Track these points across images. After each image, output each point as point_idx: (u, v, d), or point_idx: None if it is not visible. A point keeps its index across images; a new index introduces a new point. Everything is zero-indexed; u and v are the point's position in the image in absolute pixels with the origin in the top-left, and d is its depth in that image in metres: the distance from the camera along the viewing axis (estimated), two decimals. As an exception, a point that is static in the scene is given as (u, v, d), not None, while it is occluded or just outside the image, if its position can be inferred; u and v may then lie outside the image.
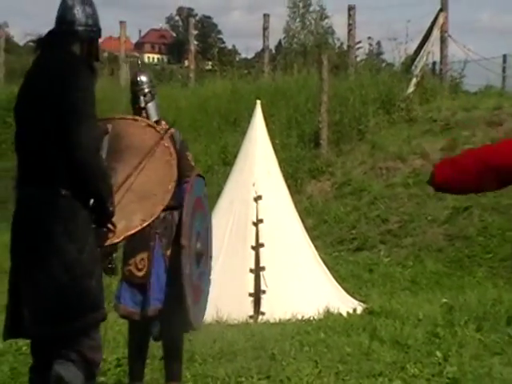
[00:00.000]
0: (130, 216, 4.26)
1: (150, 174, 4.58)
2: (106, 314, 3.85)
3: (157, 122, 5.06)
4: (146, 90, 5.25)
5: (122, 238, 4.18)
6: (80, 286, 3.71)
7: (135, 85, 5.27)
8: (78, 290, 3.70)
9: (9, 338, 3.92)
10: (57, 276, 3.68)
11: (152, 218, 4.41)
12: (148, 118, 5.13)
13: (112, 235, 4.02)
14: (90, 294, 3.78)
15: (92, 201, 3.73)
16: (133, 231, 4.22)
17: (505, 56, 15.40)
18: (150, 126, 4.83)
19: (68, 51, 3.84)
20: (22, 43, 27.70)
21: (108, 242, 4.03)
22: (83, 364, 3.75)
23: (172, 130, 4.96)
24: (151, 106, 5.22)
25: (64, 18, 3.91)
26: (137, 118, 4.91)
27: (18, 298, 3.73)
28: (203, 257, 5.15)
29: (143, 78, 5.29)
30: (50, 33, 3.95)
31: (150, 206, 4.46)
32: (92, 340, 3.81)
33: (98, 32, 4.01)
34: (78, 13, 3.93)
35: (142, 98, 5.22)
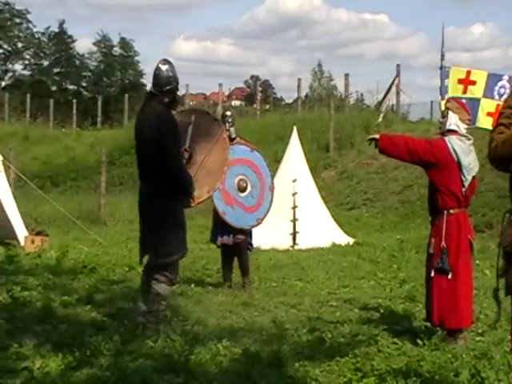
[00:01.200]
0: (201, 188, 5.41)
1: (215, 157, 5.61)
2: (187, 252, 5.38)
3: (235, 138, 7.40)
4: (230, 120, 7.50)
5: (195, 204, 5.47)
6: (175, 235, 5.21)
7: (223, 116, 7.59)
8: (174, 237, 5.21)
9: (141, 263, 5.56)
10: (164, 229, 5.14)
11: (213, 191, 5.73)
12: (230, 135, 7.18)
13: (191, 202, 5.41)
14: (180, 240, 5.26)
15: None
16: (202, 199, 5.50)
17: (432, 102, 21.93)
18: (216, 120, 5.98)
19: (161, 103, 5.14)
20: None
21: (189, 206, 5.45)
22: (169, 282, 5.29)
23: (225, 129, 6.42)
24: (232, 130, 7.47)
25: (155, 81, 5.18)
26: (208, 111, 6.25)
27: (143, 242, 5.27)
28: (247, 189, 7.25)
29: (228, 113, 7.68)
30: (148, 91, 5.35)
31: (213, 182, 5.58)
32: (175, 267, 5.31)
33: (177, 87, 5.26)
34: (164, 77, 5.17)
35: (227, 124, 7.33)
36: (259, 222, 7.56)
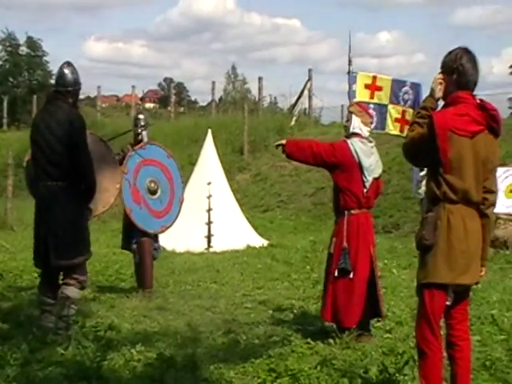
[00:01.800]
0: (96, 204, 5.51)
1: (108, 175, 5.75)
2: (91, 254, 5.32)
3: (146, 143, 7.29)
4: (142, 123, 7.39)
5: (91, 217, 5.46)
6: (81, 236, 5.19)
7: (136, 119, 7.50)
8: (81, 238, 5.18)
9: (39, 267, 5.31)
10: (70, 231, 5.08)
11: (109, 206, 5.79)
12: (142, 139, 7.26)
13: (89, 214, 5.34)
14: (86, 242, 5.24)
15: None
16: (97, 213, 5.68)
17: (342, 105, 22.34)
18: (101, 140, 5.94)
19: (66, 103, 5.18)
20: None
21: (87, 219, 5.33)
22: (78, 284, 5.21)
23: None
24: (144, 133, 7.36)
25: (61, 81, 5.21)
26: (91, 132, 5.86)
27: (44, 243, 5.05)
28: (157, 193, 7.15)
29: (140, 116, 7.61)
30: (53, 91, 5.27)
31: (107, 198, 5.74)
32: (83, 269, 5.26)
33: (79, 89, 5.29)
34: (69, 77, 5.22)
35: (139, 126, 7.34)
36: (163, 229, 7.41)
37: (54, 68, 54.85)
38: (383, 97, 7.87)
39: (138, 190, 7.16)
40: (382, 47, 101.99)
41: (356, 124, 5.42)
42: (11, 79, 47.45)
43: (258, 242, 11.39)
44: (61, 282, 5.25)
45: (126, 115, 25.62)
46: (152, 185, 7.26)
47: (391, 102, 7.88)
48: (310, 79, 20.42)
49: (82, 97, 40.12)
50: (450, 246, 3.52)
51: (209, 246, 10.97)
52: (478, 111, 3.54)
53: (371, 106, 7.68)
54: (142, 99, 50.38)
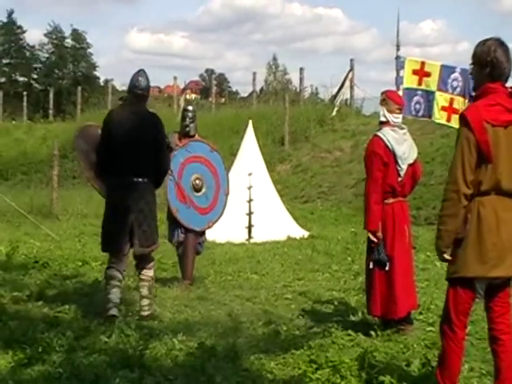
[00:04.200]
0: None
1: None
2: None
3: (194, 135, 7.32)
4: (191, 115, 7.34)
5: None
6: (156, 225, 5.77)
7: (184, 111, 7.46)
8: (156, 227, 5.78)
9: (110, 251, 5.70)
10: (150, 221, 5.66)
11: None
12: (189, 132, 7.28)
13: None
14: (157, 230, 5.84)
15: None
16: None
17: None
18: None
19: (144, 105, 5.78)
20: (120, 89, 34.35)
21: None
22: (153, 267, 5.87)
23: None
24: (192, 126, 7.34)
25: (138, 85, 5.70)
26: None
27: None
28: (202, 190, 7.22)
29: (189, 108, 7.53)
30: (133, 95, 5.69)
31: None
32: (152, 256, 5.89)
33: (148, 93, 5.83)
34: (145, 83, 5.75)
35: (187, 119, 7.32)
36: (210, 225, 7.45)
37: (97, 60, 55.65)
38: (431, 83, 7.68)
39: (183, 189, 7.22)
40: (425, 36, 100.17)
41: (381, 113, 5.40)
42: (57, 71, 48.38)
43: (299, 232, 11.38)
44: (137, 266, 5.81)
45: (168, 106, 25.76)
46: (197, 182, 7.29)
47: (439, 89, 7.67)
48: (351, 69, 20.17)
49: (124, 88, 40.81)
50: (480, 239, 3.48)
51: (249, 236, 11.01)
52: (510, 99, 3.49)
53: (419, 92, 7.51)
54: (183, 90, 50.78)
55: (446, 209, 3.49)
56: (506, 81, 3.57)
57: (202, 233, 7.45)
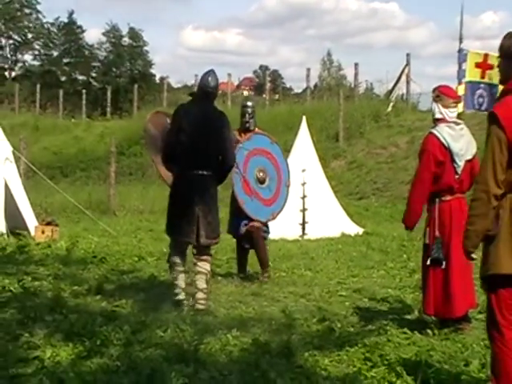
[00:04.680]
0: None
1: None
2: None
3: (254, 129, 7.45)
4: (250, 111, 7.45)
5: None
6: (218, 218, 5.99)
7: (244, 107, 7.49)
8: (218, 220, 6.00)
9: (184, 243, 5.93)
10: (214, 214, 5.88)
11: None
12: (249, 127, 7.42)
13: None
14: (219, 226, 6.06)
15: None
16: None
17: None
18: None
19: (213, 103, 6.04)
20: (175, 87, 37.20)
21: None
22: (211, 261, 6.05)
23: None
24: (252, 121, 7.46)
25: (207, 84, 5.94)
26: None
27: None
28: (265, 181, 7.38)
29: (249, 104, 7.63)
30: (203, 92, 5.93)
31: None
32: (211, 250, 6.02)
33: (217, 92, 6.10)
34: (214, 82, 6.03)
35: (247, 115, 7.42)
36: (274, 216, 7.53)
37: (153, 57, 56.37)
38: (494, 76, 7.47)
39: (249, 181, 7.35)
40: (486, 28, 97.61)
41: (436, 110, 5.26)
42: (114, 69, 49.31)
43: (353, 229, 11.33)
44: (195, 258, 5.89)
45: (222, 103, 25.93)
46: (261, 174, 7.42)
47: None
48: (407, 64, 19.87)
49: (179, 85, 41.23)
50: None
51: (303, 233, 11.02)
52: None
53: (482, 85, 7.31)
54: (237, 87, 50.92)
55: (475, 209, 3.42)
56: None
57: (266, 224, 7.56)
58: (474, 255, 3.51)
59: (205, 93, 5.95)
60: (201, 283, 5.85)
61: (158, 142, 6.18)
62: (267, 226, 7.59)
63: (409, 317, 5.70)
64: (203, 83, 5.95)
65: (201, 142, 5.77)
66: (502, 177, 3.35)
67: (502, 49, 3.51)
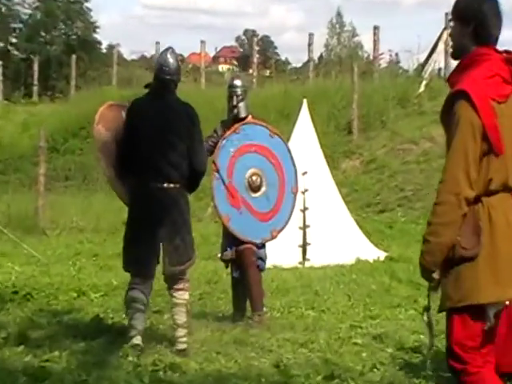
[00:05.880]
0: None
1: None
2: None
3: (245, 117, 7.34)
4: (239, 92, 7.33)
5: None
6: (191, 239, 6.31)
7: (231, 87, 7.39)
8: (191, 241, 6.32)
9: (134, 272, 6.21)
10: (184, 234, 6.18)
11: None
12: (238, 114, 7.30)
13: None
14: (193, 244, 6.40)
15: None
16: None
17: None
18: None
19: (174, 94, 6.22)
20: (129, 58, 37.69)
21: None
22: (188, 289, 6.34)
23: None
24: (242, 105, 7.34)
25: (164, 70, 6.12)
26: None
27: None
28: (260, 188, 7.37)
29: (237, 83, 7.43)
30: (160, 81, 6.15)
31: None
32: (187, 275, 6.35)
33: (180, 77, 6.31)
34: (175, 65, 6.19)
35: (235, 98, 7.32)
36: (274, 234, 7.52)
37: (97, 18, 56.27)
38: None
39: (236, 189, 7.35)
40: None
41: None
42: (43, 33, 49.07)
43: (372, 253, 11.40)
44: (169, 288, 6.27)
45: (194, 81, 25.97)
46: (254, 178, 7.42)
47: None
48: (446, 28, 19.92)
49: (134, 57, 41.24)
50: (494, 252, 3.47)
51: (304, 258, 11.08)
52: (506, 67, 3.53)
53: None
54: (214, 59, 50.96)
55: (439, 215, 3.45)
56: (495, 44, 3.59)
57: (262, 245, 7.49)
58: (435, 275, 3.53)
59: (162, 81, 6.18)
60: (179, 317, 6.15)
61: (111, 146, 6.23)
62: (262, 250, 7.48)
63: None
64: (159, 69, 6.15)
65: (161, 147, 6.03)
66: (475, 174, 3.40)
67: (455, 9, 3.62)
